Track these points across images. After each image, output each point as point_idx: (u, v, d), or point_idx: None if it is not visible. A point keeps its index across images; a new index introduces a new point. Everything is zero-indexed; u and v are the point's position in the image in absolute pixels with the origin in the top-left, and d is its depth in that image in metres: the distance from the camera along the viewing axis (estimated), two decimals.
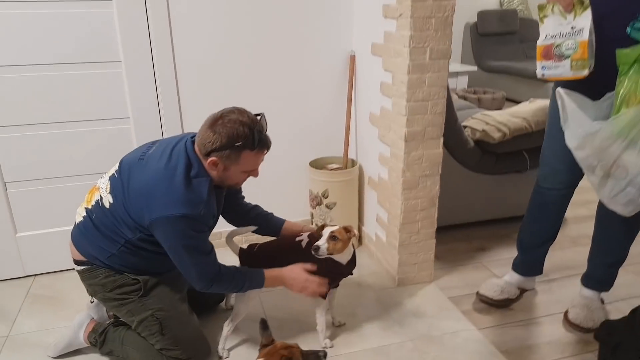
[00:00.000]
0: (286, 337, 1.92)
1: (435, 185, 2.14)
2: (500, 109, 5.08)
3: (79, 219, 1.74)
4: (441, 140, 2.08)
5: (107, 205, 1.65)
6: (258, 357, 1.35)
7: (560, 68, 1.57)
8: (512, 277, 2.19)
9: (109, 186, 1.67)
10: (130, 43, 2.17)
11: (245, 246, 1.92)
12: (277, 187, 2.59)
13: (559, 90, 1.62)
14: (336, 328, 1.99)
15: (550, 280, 2.31)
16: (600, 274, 2.04)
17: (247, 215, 1.94)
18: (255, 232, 1.95)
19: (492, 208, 2.79)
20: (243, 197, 1.97)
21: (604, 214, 1.92)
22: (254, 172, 1.67)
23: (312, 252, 1.68)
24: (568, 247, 2.60)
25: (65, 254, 2.28)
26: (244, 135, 1.53)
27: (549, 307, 2.12)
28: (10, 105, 2.13)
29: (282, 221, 1.96)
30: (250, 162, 1.60)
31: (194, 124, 2.36)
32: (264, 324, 1.43)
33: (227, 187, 1.73)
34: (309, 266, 1.72)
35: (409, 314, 2.07)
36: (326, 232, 1.71)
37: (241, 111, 1.56)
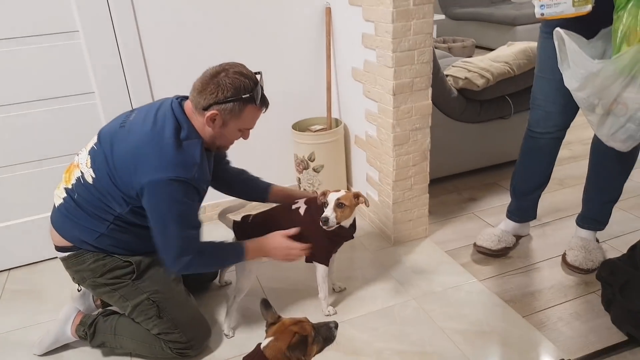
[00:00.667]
0: (286, 307, 1.87)
1: (426, 138, 2.07)
2: (470, 56, 5.03)
3: (58, 201, 1.60)
4: (429, 90, 2.00)
5: (90, 180, 1.51)
6: (267, 337, 1.28)
7: (561, 5, 1.49)
8: (507, 225, 2.17)
9: (89, 160, 1.53)
10: (88, 11, 1.97)
11: (238, 218, 1.82)
12: (260, 154, 2.48)
13: (559, 30, 1.54)
14: (337, 294, 1.93)
15: (543, 225, 2.31)
16: (595, 213, 2.03)
17: (233, 181, 1.85)
18: (241, 197, 1.87)
19: (479, 157, 2.75)
20: (229, 162, 1.87)
21: (598, 152, 1.90)
22: (246, 133, 1.58)
23: (321, 224, 1.59)
24: (556, 189, 2.60)
25: (40, 244, 2.18)
26: (249, 88, 1.46)
27: (546, 251, 2.12)
28: None
29: (268, 185, 1.88)
30: (249, 119, 1.52)
31: (165, 94, 2.20)
32: (265, 304, 1.34)
33: (216, 149, 1.62)
34: (291, 231, 1.65)
35: (409, 272, 2.03)
36: (332, 200, 1.60)
37: (243, 65, 1.49)
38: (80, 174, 1.54)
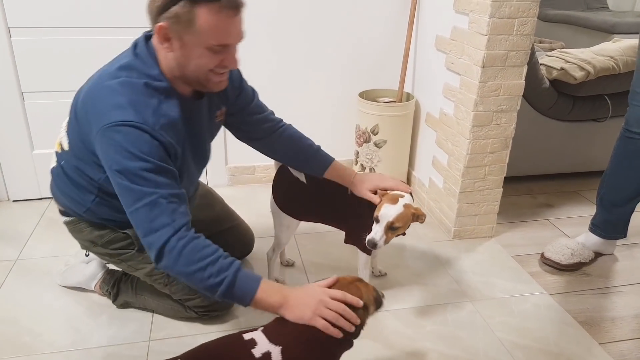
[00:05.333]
0: None
1: (512, 124, 1.81)
2: None
3: (52, 164, 1.41)
4: (524, 69, 1.74)
5: (66, 146, 1.32)
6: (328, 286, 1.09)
7: None
8: (588, 239, 1.88)
9: (67, 125, 1.32)
10: None
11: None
12: (320, 120, 2.29)
13: None
14: (381, 280, 1.72)
15: (631, 245, 1.99)
16: None
17: (272, 136, 1.46)
18: (289, 164, 1.52)
19: (562, 161, 2.43)
20: (270, 112, 1.48)
21: None
22: (225, 55, 1.14)
23: (367, 244, 1.34)
24: None
25: None
26: None
27: (633, 275, 1.81)
28: (31, 4, 1.85)
29: (331, 160, 1.47)
30: (213, 27, 1.08)
31: None
32: None
33: (204, 88, 1.22)
34: (332, 290, 1.07)
35: (468, 271, 1.79)
36: (384, 218, 1.32)
37: None
38: (60, 140, 1.35)
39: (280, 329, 1.05)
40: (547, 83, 2.22)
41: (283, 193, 1.54)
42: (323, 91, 2.24)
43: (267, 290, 1.09)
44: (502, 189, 1.93)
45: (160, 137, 1.12)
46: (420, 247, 1.93)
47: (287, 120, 1.50)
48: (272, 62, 2.15)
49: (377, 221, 1.34)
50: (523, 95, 2.16)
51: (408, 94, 2.25)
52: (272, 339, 1.01)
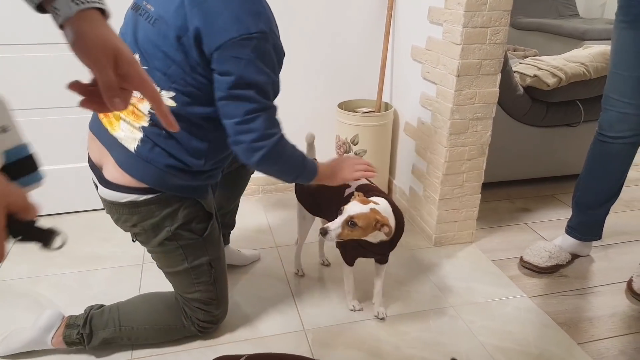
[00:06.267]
0: (309, 293, 1.69)
1: (487, 131, 1.85)
2: None
3: (135, 143, 1.23)
4: (498, 77, 1.78)
5: (171, 102, 1.19)
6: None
7: None
8: (565, 241, 1.92)
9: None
10: None
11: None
12: (300, 132, 2.29)
13: None
14: (366, 290, 1.73)
15: (606, 246, 2.04)
16: None
17: None
18: None
19: (537, 165, 2.49)
20: None
21: None
22: None
23: (319, 232, 1.36)
24: (621, 210, 2.32)
25: (65, 196, 2.09)
26: None
27: (608, 275, 1.86)
28: (4, 21, 1.84)
29: None
30: None
31: None
32: None
33: None
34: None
35: (449, 277, 1.81)
36: (345, 212, 1.33)
37: None
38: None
39: None
40: (521, 90, 2.27)
41: (300, 187, 1.66)
42: (302, 103, 2.27)
43: (321, 168, 1.39)
44: (480, 195, 1.96)
45: (281, 48, 1.27)
46: (402, 254, 1.95)
47: None
48: None
49: (340, 213, 1.34)
50: (498, 103, 2.22)
51: (386, 103, 2.28)
52: None
